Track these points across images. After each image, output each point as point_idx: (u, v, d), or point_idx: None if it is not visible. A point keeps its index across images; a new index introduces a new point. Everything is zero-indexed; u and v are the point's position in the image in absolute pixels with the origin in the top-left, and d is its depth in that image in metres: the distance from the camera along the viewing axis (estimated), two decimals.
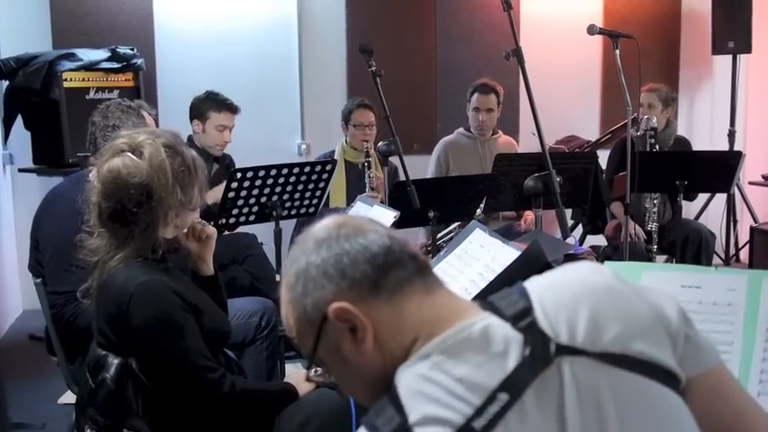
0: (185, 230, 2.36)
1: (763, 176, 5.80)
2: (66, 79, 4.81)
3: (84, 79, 4.91)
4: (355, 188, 4.63)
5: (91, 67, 4.94)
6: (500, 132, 5.25)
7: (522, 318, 1.17)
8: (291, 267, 1.25)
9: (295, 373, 2.53)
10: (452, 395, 1.09)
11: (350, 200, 4.56)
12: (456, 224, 4.68)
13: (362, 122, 4.75)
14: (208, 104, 4.44)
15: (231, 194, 3.57)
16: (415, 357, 1.16)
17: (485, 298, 1.24)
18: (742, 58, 6.12)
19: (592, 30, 4.02)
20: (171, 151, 2.19)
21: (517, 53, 2.96)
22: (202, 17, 5.72)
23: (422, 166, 5.13)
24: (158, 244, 2.22)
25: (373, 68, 3.60)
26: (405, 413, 1.10)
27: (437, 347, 1.15)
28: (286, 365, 3.67)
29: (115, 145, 2.21)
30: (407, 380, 1.14)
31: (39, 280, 3.06)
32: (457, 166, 5.09)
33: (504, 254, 2.26)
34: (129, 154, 2.16)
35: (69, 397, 3.44)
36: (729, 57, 6.10)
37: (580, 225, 5.50)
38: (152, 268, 2.19)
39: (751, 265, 5.09)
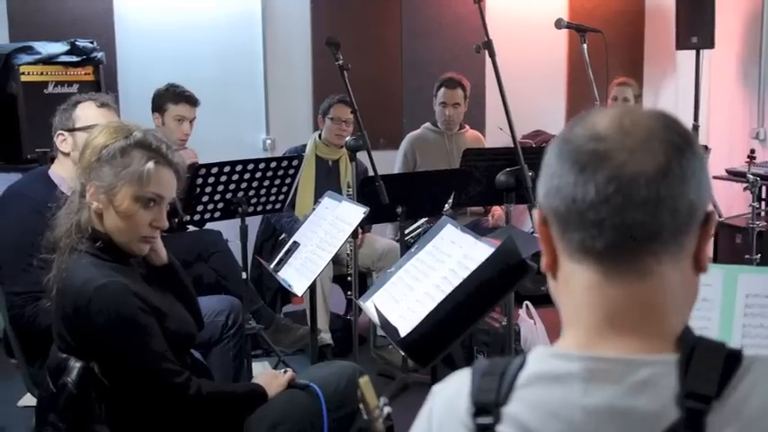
0: None
1: (727, 171, 5.84)
2: (23, 73, 4.66)
3: (42, 73, 4.77)
4: (324, 184, 4.58)
5: (49, 60, 4.80)
6: (467, 127, 5.24)
7: (697, 400, 0.94)
8: (561, 133, 1.07)
9: (264, 374, 2.48)
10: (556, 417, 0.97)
11: (318, 195, 4.51)
12: (423, 220, 4.66)
13: (340, 117, 4.70)
14: (166, 96, 4.37)
15: (196, 191, 3.50)
16: (559, 350, 1.02)
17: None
18: (705, 53, 6.15)
19: (559, 24, 4.01)
20: (121, 138, 2.19)
21: (488, 46, 2.93)
22: (164, 10, 5.60)
23: (388, 162, 5.08)
24: (85, 233, 2.16)
25: (340, 62, 3.54)
26: (506, 398, 1.00)
27: (585, 362, 0.98)
28: (253, 364, 3.62)
29: None
30: (536, 366, 1.02)
31: None
32: (424, 161, 5.07)
33: (477, 250, 2.23)
34: None
35: (29, 400, 3.34)
36: (693, 52, 6.12)
37: None
38: (109, 269, 2.12)
39: (715, 260, 5.12)
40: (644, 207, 0.96)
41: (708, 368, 0.95)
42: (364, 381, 1.31)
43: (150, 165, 2.16)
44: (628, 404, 0.95)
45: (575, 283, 1.03)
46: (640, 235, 0.97)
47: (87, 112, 3.06)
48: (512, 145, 3.40)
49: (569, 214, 1.00)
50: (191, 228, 4.28)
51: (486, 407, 1.01)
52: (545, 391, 0.99)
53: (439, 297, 2.15)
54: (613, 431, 0.95)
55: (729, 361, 0.96)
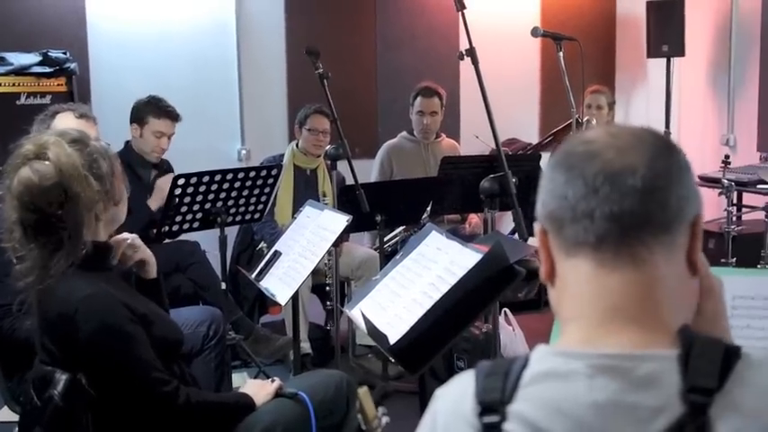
0: (120, 250, 2.28)
1: (700, 177, 5.91)
2: None
3: (14, 84, 4.73)
4: (302, 193, 4.56)
5: (21, 71, 4.76)
6: (443, 135, 5.25)
7: (700, 394, 0.94)
8: (564, 146, 1.10)
9: (251, 384, 2.46)
10: (559, 412, 0.98)
11: (296, 204, 4.49)
12: (401, 228, 4.66)
13: (317, 128, 4.68)
14: (148, 109, 4.30)
15: (174, 201, 3.47)
16: (560, 348, 1.03)
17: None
18: (675, 61, 6.23)
19: (536, 32, 4.03)
20: (78, 145, 2.09)
21: (471, 53, 2.94)
22: (137, 20, 5.56)
23: (364, 171, 5.05)
24: (87, 247, 2.09)
25: (320, 71, 3.54)
26: (511, 396, 1.01)
27: (588, 359, 0.99)
28: (232, 375, 3.59)
29: (21, 153, 2.07)
30: (539, 365, 1.02)
31: None
32: (401, 170, 5.07)
33: (464, 256, 2.22)
34: (36, 160, 2.05)
35: (6, 414, 3.28)
36: (664, 60, 6.20)
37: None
38: (94, 278, 2.09)
39: None
40: (632, 196, 1.00)
41: (708, 362, 0.96)
42: (363, 391, 1.32)
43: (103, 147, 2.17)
44: (633, 399, 0.96)
45: (572, 278, 1.06)
46: (629, 223, 1.01)
47: (65, 123, 3.03)
48: (487, 153, 3.43)
49: (562, 211, 1.04)
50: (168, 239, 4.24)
51: (492, 405, 1.02)
52: (550, 389, 1.00)
53: (427, 303, 2.15)
54: (620, 426, 0.96)
55: (728, 355, 0.97)
